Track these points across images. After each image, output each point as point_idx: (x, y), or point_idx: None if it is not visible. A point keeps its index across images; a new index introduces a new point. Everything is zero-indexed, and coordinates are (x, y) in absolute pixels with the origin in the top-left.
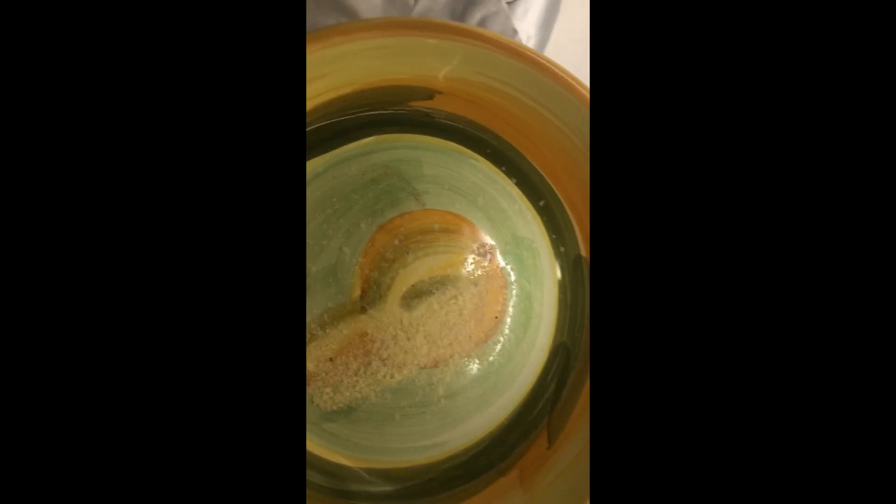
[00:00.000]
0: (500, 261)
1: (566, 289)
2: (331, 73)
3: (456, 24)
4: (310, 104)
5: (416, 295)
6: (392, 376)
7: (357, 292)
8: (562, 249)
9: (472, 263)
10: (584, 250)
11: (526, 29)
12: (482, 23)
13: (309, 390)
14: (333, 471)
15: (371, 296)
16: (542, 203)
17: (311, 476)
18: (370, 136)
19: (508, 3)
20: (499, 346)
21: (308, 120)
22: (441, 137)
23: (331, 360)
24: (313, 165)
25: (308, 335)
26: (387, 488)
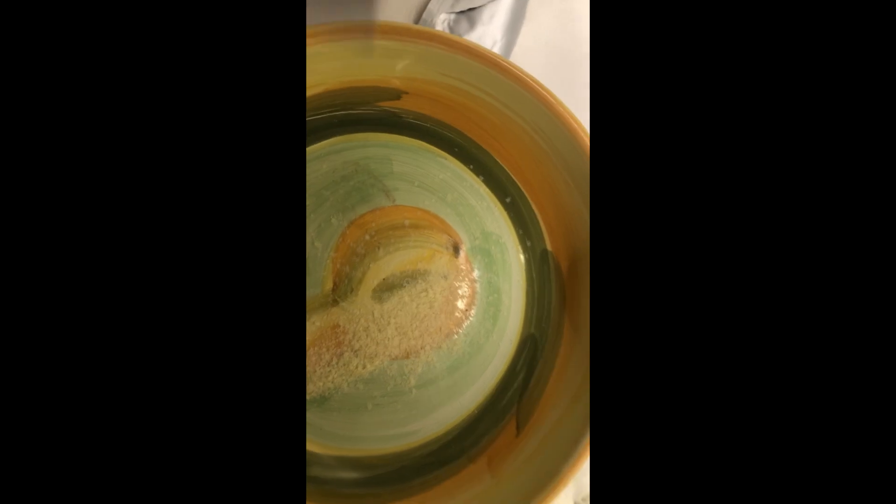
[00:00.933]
0: (470, 255)
1: (533, 282)
2: None
3: (407, 25)
4: None
5: (387, 288)
6: (364, 367)
7: (329, 285)
8: (528, 244)
9: (441, 258)
10: (549, 244)
11: (492, 33)
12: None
13: None
14: (308, 459)
15: (343, 289)
16: (508, 199)
17: None
18: (340, 135)
19: (461, 13)
20: (469, 338)
21: None
22: (410, 136)
23: None
24: None
25: None
26: (354, 475)
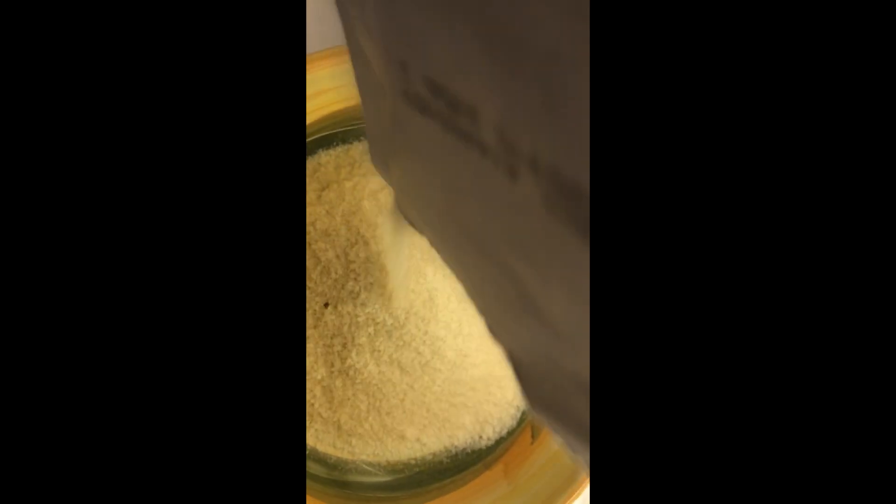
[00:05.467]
0: None
1: None
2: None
3: None
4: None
5: None
6: None
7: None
8: None
9: None
10: None
11: None
12: None
13: None
14: (332, 463)
15: None
16: None
17: (309, 467)
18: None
19: None
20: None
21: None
22: None
23: None
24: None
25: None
26: (385, 478)
